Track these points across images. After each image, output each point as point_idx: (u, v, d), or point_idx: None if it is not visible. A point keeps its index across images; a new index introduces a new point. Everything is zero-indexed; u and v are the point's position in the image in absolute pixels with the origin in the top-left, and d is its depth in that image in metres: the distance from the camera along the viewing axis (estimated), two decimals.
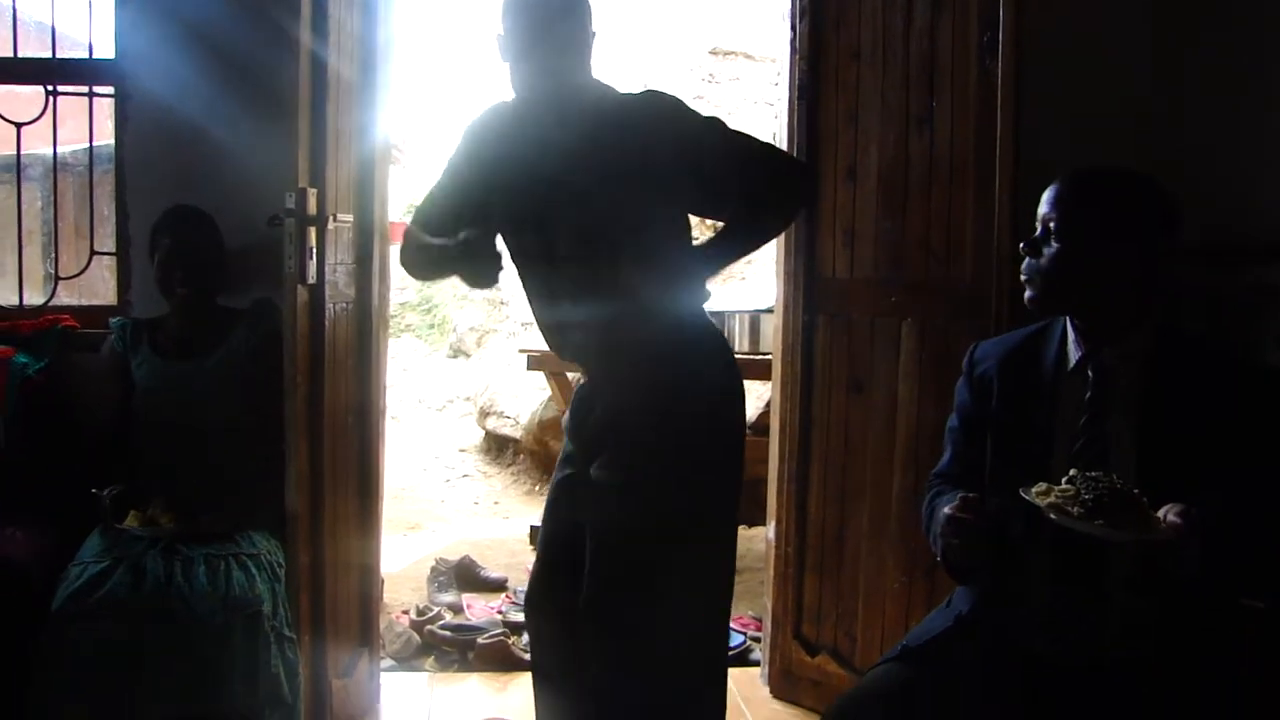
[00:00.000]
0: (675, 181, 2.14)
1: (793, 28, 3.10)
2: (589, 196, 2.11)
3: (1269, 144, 2.77)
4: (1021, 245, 1.91)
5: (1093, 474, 1.71)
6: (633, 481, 2.17)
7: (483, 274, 2.10)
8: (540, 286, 2.30)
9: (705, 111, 2.21)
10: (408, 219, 2.34)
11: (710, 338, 2.29)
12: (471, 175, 2.29)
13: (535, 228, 2.22)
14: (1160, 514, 1.65)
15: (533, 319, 2.40)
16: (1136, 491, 1.68)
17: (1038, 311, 1.93)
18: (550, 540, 2.34)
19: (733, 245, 2.22)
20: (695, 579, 2.19)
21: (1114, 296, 1.85)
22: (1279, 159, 2.75)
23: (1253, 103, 2.82)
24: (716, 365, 2.26)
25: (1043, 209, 1.89)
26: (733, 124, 2.20)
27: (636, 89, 2.22)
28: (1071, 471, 1.74)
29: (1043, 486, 1.74)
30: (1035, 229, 1.90)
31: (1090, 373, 1.88)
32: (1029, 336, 2.01)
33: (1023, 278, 1.92)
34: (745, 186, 2.16)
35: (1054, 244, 1.85)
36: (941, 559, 1.91)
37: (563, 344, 2.34)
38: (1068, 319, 1.94)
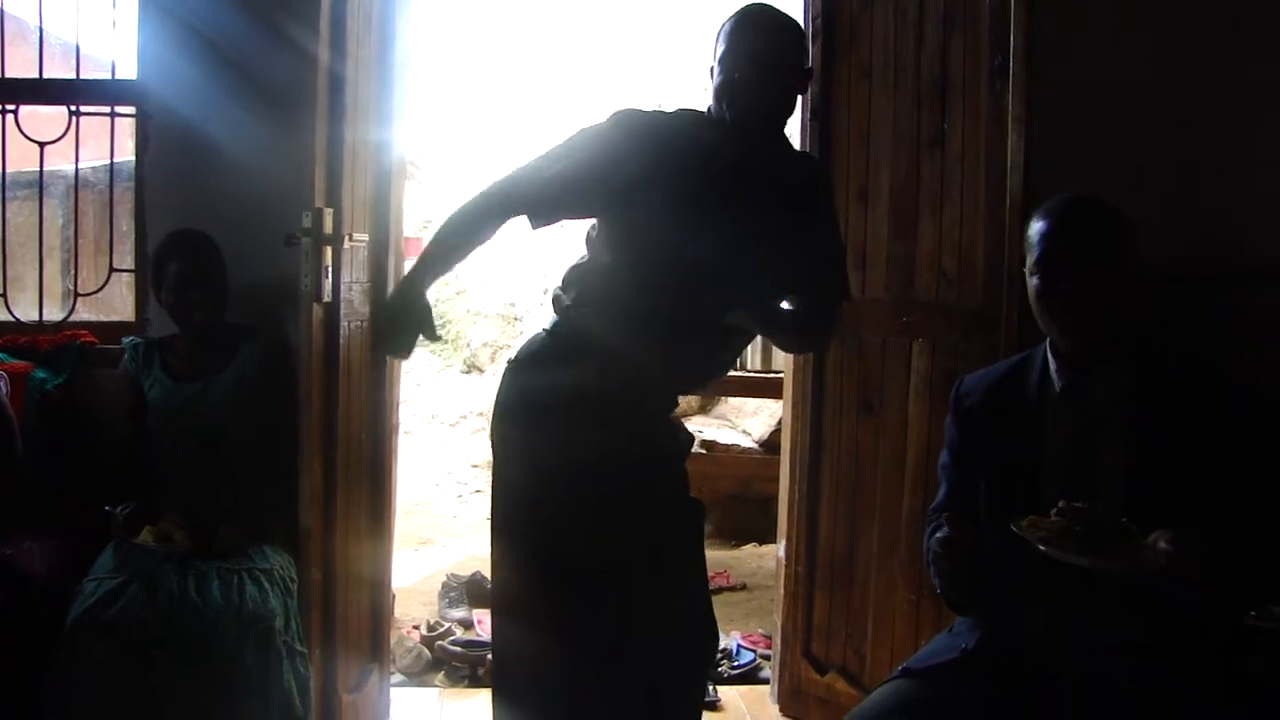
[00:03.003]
0: (809, 254, 2.18)
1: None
2: (756, 253, 2.08)
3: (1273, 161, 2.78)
4: (1037, 280, 1.89)
5: (1080, 505, 1.72)
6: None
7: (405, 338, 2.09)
8: (656, 310, 2.09)
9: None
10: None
11: None
12: (629, 172, 2.04)
13: (686, 257, 2.04)
14: (1151, 540, 1.66)
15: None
16: (1125, 520, 1.70)
17: (1074, 343, 1.90)
18: None
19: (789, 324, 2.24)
20: None
21: (1112, 321, 1.86)
22: None
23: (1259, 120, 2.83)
24: None
25: (1043, 245, 1.87)
26: None
27: (801, 152, 2.26)
28: (1060, 504, 1.74)
29: (1032, 519, 1.75)
30: (1030, 262, 1.89)
31: (1075, 399, 1.89)
32: (1012, 367, 2.03)
33: (1041, 313, 1.90)
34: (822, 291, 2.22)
35: (1067, 280, 1.84)
36: (940, 589, 1.93)
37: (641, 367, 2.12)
38: (1047, 345, 1.94)
